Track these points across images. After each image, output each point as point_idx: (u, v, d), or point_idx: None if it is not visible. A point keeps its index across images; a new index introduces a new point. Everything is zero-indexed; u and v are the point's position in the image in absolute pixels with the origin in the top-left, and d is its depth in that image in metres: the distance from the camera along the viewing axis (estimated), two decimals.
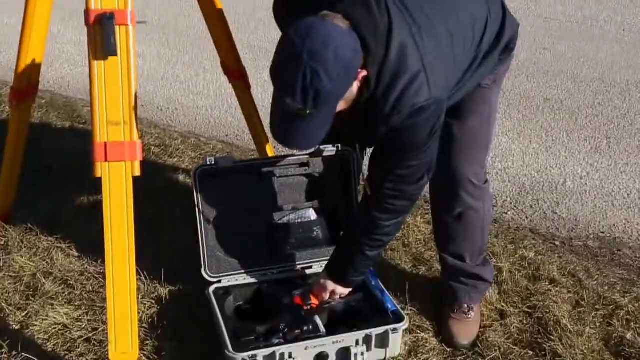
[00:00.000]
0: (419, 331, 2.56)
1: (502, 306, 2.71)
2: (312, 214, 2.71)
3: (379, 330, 2.31)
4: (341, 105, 1.85)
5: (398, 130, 1.92)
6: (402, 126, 1.91)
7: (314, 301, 2.39)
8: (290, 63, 1.70)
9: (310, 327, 2.33)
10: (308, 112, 1.74)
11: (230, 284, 2.56)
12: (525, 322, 2.65)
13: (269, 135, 3.27)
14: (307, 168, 2.65)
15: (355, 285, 2.40)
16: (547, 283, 2.86)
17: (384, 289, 2.53)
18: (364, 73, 1.81)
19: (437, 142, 2.04)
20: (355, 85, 1.83)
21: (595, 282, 2.91)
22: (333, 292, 2.36)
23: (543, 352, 2.48)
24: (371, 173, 2.16)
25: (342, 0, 1.79)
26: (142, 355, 2.35)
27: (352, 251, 2.28)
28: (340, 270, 2.34)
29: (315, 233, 2.71)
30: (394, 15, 1.83)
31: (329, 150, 2.58)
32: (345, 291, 2.39)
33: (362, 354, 2.30)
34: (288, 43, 1.73)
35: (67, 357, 2.36)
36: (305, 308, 2.38)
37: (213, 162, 2.51)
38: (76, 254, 2.91)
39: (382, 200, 2.12)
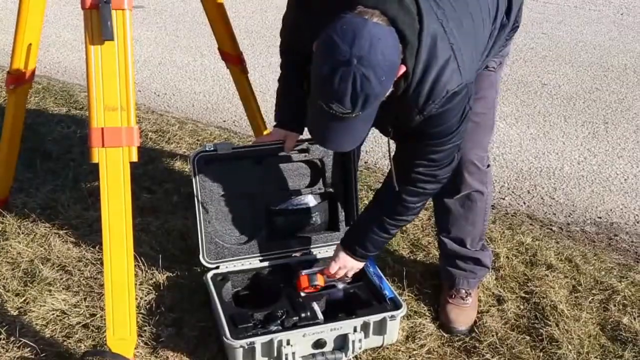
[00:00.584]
0: (416, 317, 2.57)
1: (500, 291, 2.72)
2: (311, 200, 2.71)
3: (377, 317, 2.32)
4: None
5: (432, 117, 1.92)
6: (436, 113, 1.91)
7: (320, 282, 2.41)
8: (339, 70, 1.68)
9: (308, 314, 2.33)
10: (354, 115, 1.74)
11: (228, 270, 2.56)
12: (522, 307, 2.65)
13: (267, 121, 3.30)
14: (306, 154, 2.63)
15: (369, 258, 2.44)
16: (544, 268, 2.86)
17: (382, 275, 2.54)
18: (404, 68, 1.81)
19: (467, 124, 2.05)
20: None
21: (592, 267, 2.92)
22: (345, 267, 2.38)
23: (540, 337, 2.49)
24: (401, 159, 2.15)
25: None
26: (140, 341, 2.35)
27: (375, 229, 2.29)
28: (359, 245, 2.35)
29: (314, 219, 2.71)
30: (422, 3, 1.81)
31: None
32: (360, 265, 2.41)
33: (360, 340, 2.31)
34: (334, 49, 1.69)
35: (65, 343, 2.36)
36: (307, 288, 2.40)
37: (212, 148, 2.50)
38: (74, 240, 2.91)
39: (413, 184, 2.13)
